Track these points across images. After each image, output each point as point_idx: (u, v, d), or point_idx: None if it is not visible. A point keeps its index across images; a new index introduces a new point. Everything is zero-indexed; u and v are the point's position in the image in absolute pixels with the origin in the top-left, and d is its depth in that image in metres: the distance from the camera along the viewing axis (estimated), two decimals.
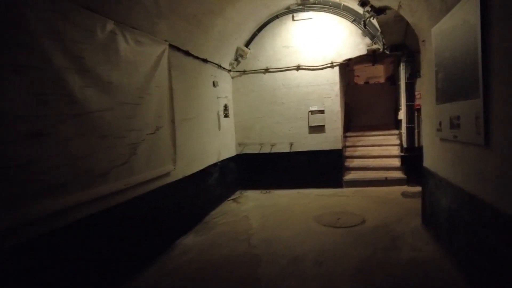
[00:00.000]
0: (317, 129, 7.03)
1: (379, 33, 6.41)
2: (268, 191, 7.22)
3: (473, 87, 2.70)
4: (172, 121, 4.60)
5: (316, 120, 6.99)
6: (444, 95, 3.44)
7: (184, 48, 5.03)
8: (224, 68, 6.75)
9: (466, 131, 2.91)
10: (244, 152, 7.42)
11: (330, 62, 6.87)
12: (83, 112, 2.95)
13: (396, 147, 7.62)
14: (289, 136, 7.17)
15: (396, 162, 7.26)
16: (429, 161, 4.26)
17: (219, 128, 6.46)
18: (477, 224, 2.78)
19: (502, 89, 2.22)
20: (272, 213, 5.66)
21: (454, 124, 3.18)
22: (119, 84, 3.47)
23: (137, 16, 3.80)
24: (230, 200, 6.75)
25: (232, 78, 7.33)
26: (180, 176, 4.83)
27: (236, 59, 7.21)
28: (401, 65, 6.63)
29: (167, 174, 4.52)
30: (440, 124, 3.61)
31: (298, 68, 7.01)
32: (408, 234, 4.35)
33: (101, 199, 3.13)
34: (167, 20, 4.40)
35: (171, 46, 4.62)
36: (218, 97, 6.43)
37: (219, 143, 6.43)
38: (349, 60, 6.90)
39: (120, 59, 3.51)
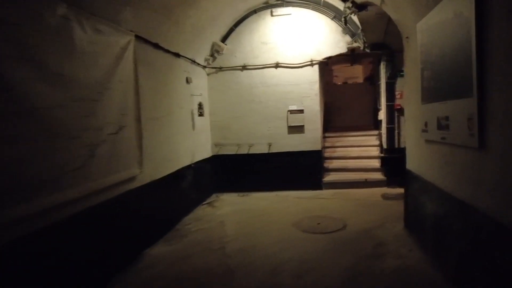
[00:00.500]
0: (297, 129, 6.77)
1: (359, 31, 6.23)
2: (245, 194, 6.89)
3: (466, 85, 2.49)
4: (138, 120, 4.17)
5: (296, 120, 6.74)
6: (431, 94, 3.24)
7: (153, 41, 4.61)
8: (198, 64, 6.35)
9: (457, 132, 2.70)
10: (220, 153, 7.06)
11: (309, 60, 6.63)
12: (25, 108, 2.49)
13: (376, 148, 7.51)
14: (268, 137, 6.88)
15: (376, 163, 7.14)
16: (412, 164, 4.08)
17: (193, 127, 6.06)
18: (469, 233, 2.58)
19: (503, 87, 2.00)
20: (249, 218, 5.34)
21: (442, 125, 2.98)
22: (73, 77, 3.01)
23: (97, 0, 3.36)
24: (205, 204, 6.36)
25: (208, 75, 6.95)
26: (147, 180, 4.41)
27: (211, 55, 6.83)
28: (382, 64, 6.50)
29: (132, 179, 4.09)
30: (426, 124, 3.42)
31: (277, 65, 6.73)
32: (391, 239, 4.15)
33: (48, 211, 2.67)
34: (133, 8, 3.96)
35: (138, 37, 4.19)
36: (192, 95, 6.03)
37: (193, 144, 6.03)
38: (329, 58, 6.70)
39: (74, 49, 3.05)
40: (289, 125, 6.77)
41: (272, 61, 6.73)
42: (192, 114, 6.03)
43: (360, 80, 13.71)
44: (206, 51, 6.64)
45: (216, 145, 7.04)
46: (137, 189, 4.16)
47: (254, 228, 4.81)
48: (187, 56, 5.78)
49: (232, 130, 6.98)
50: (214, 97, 6.97)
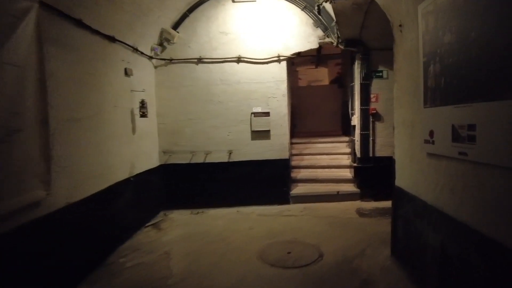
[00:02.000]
0: (261, 134, 5.85)
1: (333, 24, 5.48)
2: (200, 211, 5.82)
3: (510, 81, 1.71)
4: (44, 122, 2.97)
5: (260, 124, 5.81)
6: (442, 94, 2.47)
7: (75, 16, 3.42)
8: (142, 54, 5.18)
9: (489, 147, 1.93)
10: (170, 162, 5.91)
11: (276, 55, 5.76)
12: None
13: (347, 156, 6.83)
14: (228, 143, 5.87)
15: (348, 174, 6.45)
16: (405, 180, 3.32)
17: (133, 131, 4.88)
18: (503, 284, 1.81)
19: None
20: (203, 246, 4.28)
21: (462, 135, 2.20)
22: None
23: None
24: (149, 226, 5.18)
25: (155, 67, 5.79)
26: (62, 203, 3.22)
27: (160, 44, 5.69)
28: (356, 63, 5.81)
29: (36, 204, 2.89)
30: (430, 134, 2.64)
31: (239, 60, 5.76)
32: (379, 274, 3.36)
33: None
34: None
35: (48, 6, 3.01)
36: (132, 90, 4.85)
37: (133, 152, 4.84)
38: (299, 54, 5.88)
39: None
40: (253, 129, 5.83)
41: (234, 54, 5.75)
42: (133, 114, 4.85)
43: (326, 83, 13.23)
44: (153, 39, 5.49)
45: (165, 152, 5.89)
46: (45, 217, 2.98)
47: (209, 262, 3.77)
48: (126, 42, 4.60)
49: (185, 135, 5.87)
50: (163, 94, 5.82)
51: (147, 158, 5.39)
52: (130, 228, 4.73)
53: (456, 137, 2.28)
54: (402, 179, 3.39)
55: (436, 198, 2.67)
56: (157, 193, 5.75)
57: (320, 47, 10.34)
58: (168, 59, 5.77)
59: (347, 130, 7.83)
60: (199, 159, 5.89)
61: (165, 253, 4.11)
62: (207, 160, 5.88)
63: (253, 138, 5.87)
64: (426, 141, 2.72)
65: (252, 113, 5.80)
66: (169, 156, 5.89)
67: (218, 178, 5.93)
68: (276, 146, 5.90)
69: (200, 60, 5.78)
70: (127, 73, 4.69)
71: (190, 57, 5.78)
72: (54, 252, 3.07)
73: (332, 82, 10.88)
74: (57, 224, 3.15)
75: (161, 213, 5.80)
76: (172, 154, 5.89)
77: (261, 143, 5.87)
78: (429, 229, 2.84)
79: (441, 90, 2.48)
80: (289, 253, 3.91)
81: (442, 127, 2.45)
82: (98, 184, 3.90)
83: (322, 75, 14.81)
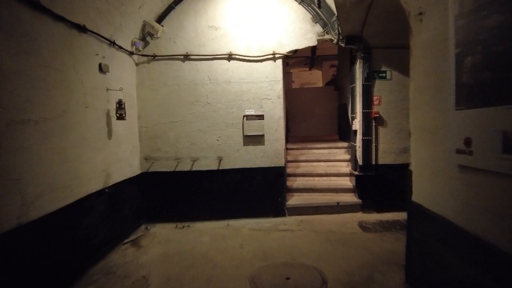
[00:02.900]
0: (254, 140, 5.30)
1: (334, 19, 4.99)
2: (186, 224, 5.22)
3: None
4: None
5: (253, 128, 5.26)
6: (484, 93, 1.96)
7: None
8: (121, 48, 4.59)
9: None
10: (153, 169, 5.30)
11: (271, 53, 5.23)
12: None
13: (346, 164, 6.33)
14: (217, 149, 5.30)
15: (348, 182, 5.94)
16: (425, 196, 2.80)
17: (109, 136, 4.27)
18: None
19: None
20: (186, 269, 3.69)
21: None
22: None
23: None
24: (127, 242, 4.56)
25: (137, 64, 5.19)
26: (11, 224, 2.63)
27: (142, 39, 5.11)
28: (357, 63, 5.33)
29: None
30: (467, 143, 2.14)
31: (230, 57, 5.21)
32: None
33: None
34: None
35: None
36: (108, 89, 4.25)
37: (109, 159, 4.23)
38: (295, 52, 5.36)
39: None
40: (245, 134, 5.27)
41: (224, 51, 5.20)
42: (108, 116, 4.24)
43: (320, 86, 12.80)
44: (133, 32, 4.90)
45: (147, 159, 5.28)
46: None
47: None
48: (100, 33, 4.00)
49: (170, 140, 5.28)
50: (144, 94, 5.22)
51: (126, 166, 4.78)
52: (105, 246, 4.11)
53: (509, 147, 1.77)
54: (421, 194, 2.88)
55: (472, 222, 2.16)
56: (138, 204, 5.13)
57: (315, 48, 9.95)
58: (151, 56, 5.18)
59: (344, 135, 7.36)
60: (185, 166, 5.29)
61: (142, 278, 3.50)
62: (194, 168, 5.29)
63: (245, 144, 5.31)
64: (460, 151, 2.21)
65: (244, 116, 5.25)
66: (151, 163, 5.28)
67: (206, 188, 5.34)
68: (270, 153, 5.35)
69: (186, 57, 5.21)
70: (102, 69, 4.09)
71: (176, 54, 5.21)
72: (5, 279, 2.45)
73: (327, 84, 10.42)
74: (4, 251, 2.54)
75: (142, 227, 5.19)
76: (154, 161, 5.28)
77: (254, 149, 5.31)
78: (458, 258, 2.33)
79: (483, 87, 1.97)
80: (287, 279, 3.34)
81: (486, 134, 1.95)
82: (62, 198, 3.29)
83: (316, 78, 14.41)
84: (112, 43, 4.32)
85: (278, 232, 4.76)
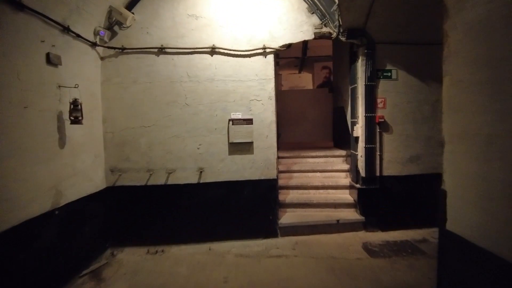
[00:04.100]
0: (242, 147, 4.53)
1: (334, 8, 4.31)
2: (160, 248, 4.38)
3: None
4: None
5: (240, 135, 4.49)
6: None
7: None
8: (79, 36, 3.75)
9: None
10: (120, 183, 4.44)
11: (261, 46, 4.50)
12: None
13: (344, 174, 5.63)
14: (198, 159, 4.50)
15: (347, 196, 5.24)
16: (468, 225, 2.11)
17: (61, 143, 3.42)
18: None
19: None
20: None
21: None
22: None
23: None
24: (86, 274, 3.69)
25: (102, 58, 4.35)
26: None
27: (109, 28, 4.29)
28: (359, 60, 4.66)
29: None
30: None
31: (213, 51, 4.45)
32: None
33: None
34: None
35: None
36: (60, 86, 3.41)
37: (60, 173, 3.38)
38: (289, 46, 4.65)
39: None
40: (230, 141, 4.50)
41: (206, 43, 4.44)
42: (61, 120, 3.40)
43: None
44: (97, 19, 4.08)
45: (113, 171, 4.42)
46: None
47: None
48: (48, 16, 3.17)
49: (141, 148, 4.44)
50: (111, 94, 4.39)
51: (86, 180, 3.91)
52: (54, 281, 3.23)
53: None
54: (462, 223, 2.17)
55: None
56: (103, 226, 4.26)
57: (306, 47, 9.33)
58: (119, 48, 4.35)
59: (340, 141, 6.69)
60: (159, 179, 4.46)
61: None
62: (170, 181, 4.47)
63: (231, 152, 4.53)
64: None
65: (229, 120, 4.48)
66: (118, 175, 4.43)
67: (184, 205, 4.52)
68: (261, 163, 4.59)
69: (161, 50, 4.41)
70: (51, 60, 3.25)
71: (149, 46, 4.40)
72: None
73: (319, 87, 9.77)
74: None
75: (108, 252, 4.31)
76: (122, 173, 4.43)
77: (241, 159, 4.54)
78: None
79: None
80: None
81: None
82: None
83: (305, 82, 13.77)
84: (66, 29, 3.48)
85: (270, 259, 3.99)
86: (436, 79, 4.66)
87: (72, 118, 3.48)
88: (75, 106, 3.50)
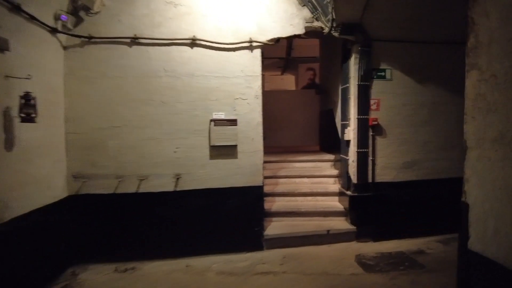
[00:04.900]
0: (225, 151, 4.08)
1: (328, 0, 3.95)
2: (130, 266, 3.84)
3: None
4: None
5: (224, 137, 4.04)
6: None
7: None
8: (34, 19, 3.18)
9: None
10: (85, 191, 3.87)
11: (247, 39, 4.08)
12: None
13: (333, 180, 5.29)
14: (175, 164, 4.00)
15: (337, 204, 4.90)
16: (500, 246, 1.76)
17: (9, 145, 2.84)
18: None
19: None
20: None
21: None
22: None
23: None
24: None
25: (65, 48, 3.78)
26: None
27: (73, 13, 3.73)
28: (352, 58, 4.33)
29: None
30: None
31: (193, 42, 3.98)
32: None
33: None
34: None
35: None
36: (8, 76, 2.83)
37: (5, 181, 2.80)
38: (278, 41, 4.27)
39: None
40: (212, 144, 4.03)
41: (186, 34, 3.96)
42: (8, 117, 2.82)
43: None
44: (58, 0, 3.52)
45: (76, 177, 3.84)
46: None
47: None
48: None
49: (109, 151, 3.89)
50: (76, 89, 3.82)
51: (42, 189, 3.33)
52: None
53: None
54: (491, 242, 1.83)
55: None
56: (62, 240, 3.68)
57: (291, 47, 8.99)
58: (85, 37, 3.80)
59: (327, 145, 6.37)
60: (130, 187, 3.93)
61: None
62: (142, 189, 3.94)
63: (212, 157, 4.07)
64: None
65: (211, 120, 4.01)
66: (82, 182, 3.85)
67: (159, 216, 4.01)
68: (246, 168, 4.16)
69: (135, 41, 3.90)
70: None
71: (121, 36, 3.87)
72: None
73: (305, 88, 9.44)
74: None
75: (68, 272, 3.72)
76: (88, 179, 3.86)
77: (224, 164, 4.09)
78: None
79: None
80: None
81: None
82: None
83: (288, 84, 13.48)
84: (16, 8, 2.91)
85: (257, 277, 3.55)
86: (435, 80, 4.42)
87: (23, 115, 2.92)
88: (27, 101, 2.94)
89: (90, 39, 3.81)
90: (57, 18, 3.54)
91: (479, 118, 1.88)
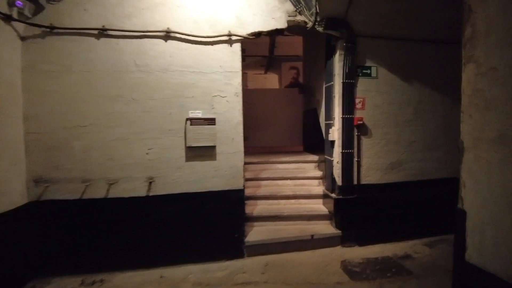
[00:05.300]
0: (203, 153, 3.81)
1: None
2: (98, 278, 3.51)
3: None
4: None
5: (201, 137, 3.76)
6: None
7: None
8: None
9: None
10: (47, 197, 3.51)
11: (227, 33, 3.82)
12: None
13: (317, 182, 5.11)
14: (148, 166, 3.70)
15: (321, 207, 4.71)
16: (499, 259, 1.58)
17: None
18: None
19: None
20: None
21: None
22: None
23: None
24: None
25: (23, 38, 3.42)
26: None
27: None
28: (337, 54, 4.15)
29: None
30: None
31: (167, 35, 3.69)
32: None
33: None
34: None
35: None
36: None
37: None
38: (259, 35, 4.02)
39: None
40: (188, 145, 3.75)
41: (160, 26, 3.67)
42: None
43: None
44: None
45: (38, 182, 3.48)
46: None
47: None
48: None
49: (75, 153, 3.55)
50: (36, 84, 3.46)
51: None
52: None
53: None
54: (491, 254, 1.65)
55: None
56: (21, 251, 3.31)
57: (274, 44, 8.77)
58: (47, 27, 3.44)
59: (311, 146, 6.20)
60: (98, 192, 3.60)
61: None
62: (112, 194, 3.62)
63: (189, 159, 3.78)
64: None
65: (187, 119, 3.73)
66: (45, 187, 3.50)
67: (130, 223, 3.70)
68: (225, 171, 3.90)
69: (103, 33, 3.57)
70: None
71: (87, 27, 3.54)
72: None
73: (288, 87, 9.26)
74: None
75: (29, 286, 3.36)
76: (51, 184, 3.51)
77: (202, 167, 3.82)
78: None
79: None
80: None
81: None
82: None
83: (271, 83, 13.30)
84: None
85: None
86: (420, 79, 4.30)
87: None
88: None
89: (52, 30, 3.46)
90: (11, 4, 3.17)
91: (476, 116, 1.70)
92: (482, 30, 1.67)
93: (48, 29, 3.45)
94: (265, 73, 12.46)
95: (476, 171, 1.72)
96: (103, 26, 3.56)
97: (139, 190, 3.67)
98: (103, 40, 3.58)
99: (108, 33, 3.58)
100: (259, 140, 7.17)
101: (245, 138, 6.77)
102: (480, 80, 1.67)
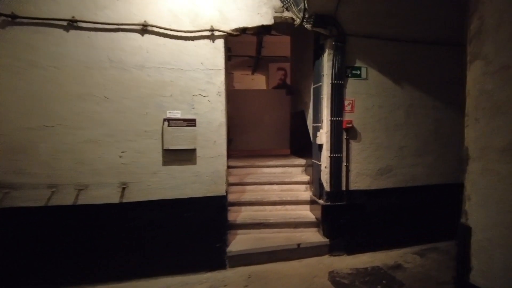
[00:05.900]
0: (181, 156, 3.53)
1: None
2: None
3: None
4: None
5: (180, 139, 3.49)
6: None
7: None
8: None
9: None
10: (8, 205, 3.17)
11: (209, 28, 3.57)
12: None
13: (304, 187, 4.91)
14: (121, 171, 3.40)
15: (308, 213, 4.50)
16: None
17: None
18: None
19: None
20: None
21: None
22: None
23: None
24: None
25: None
26: None
27: None
28: (326, 54, 3.95)
29: None
30: None
31: (144, 29, 3.41)
32: None
33: None
34: None
35: None
36: None
37: None
38: (244, 31, 3.79)
39: None
40: (166, 147, 3.48)
41: (136, 19, 3.39)
42: None
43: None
44: None
45: None
46: None
47: None
48: None
49: (40, 156, 3.22)
50: None
51: None
52: None
53: None
54: (498, 279, 1.45)
55: None
56: None
57: (261, 44, 8.55)
58: (7, 15, 3.11)
59: (298, 149, 6.00)
60: (66, 198, 3.28)
61: None
62: (82, 201, 3.31)
63: (166, 163, 3.51)
64: None
65: (165, 119, 3.46)
66: (5, 194, 3.16)
67: (102, 232, 3.39)
68: (206, 176, 3.64)
69: (73, 24, 3.26)
70: None
71: (55, 17, 3.23)
72: None
73: (276, 88, 9.06)
74: None
75: None
76: (12, 190, 3.17)
77: (180, 171, 3.54)
78: None
79: None
80: None
81: None
82: None
83: (259, 84, 13.10)
84: None
85: None
86: (412, 81, 4.15)
87: None
88: None
89: (14, 19, 3.13)
90: None
91: (483, 121, 1.50)
92: (491, 23, 1.48)
93: (9, 18, 3.13)
94: (252, 74, 12.25)
95: (483, 184, 1.52)
96: (73, 17, 3.25)
97: (112, 196, 3.36)
98: (72, 32, 3.27)
99: (79, 25, 3.27)
100: (244, 143, 6.93)
101: (230, 141, 6.54)
102: (489, 80, 1.47)
